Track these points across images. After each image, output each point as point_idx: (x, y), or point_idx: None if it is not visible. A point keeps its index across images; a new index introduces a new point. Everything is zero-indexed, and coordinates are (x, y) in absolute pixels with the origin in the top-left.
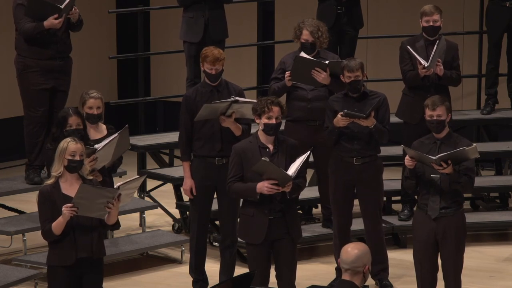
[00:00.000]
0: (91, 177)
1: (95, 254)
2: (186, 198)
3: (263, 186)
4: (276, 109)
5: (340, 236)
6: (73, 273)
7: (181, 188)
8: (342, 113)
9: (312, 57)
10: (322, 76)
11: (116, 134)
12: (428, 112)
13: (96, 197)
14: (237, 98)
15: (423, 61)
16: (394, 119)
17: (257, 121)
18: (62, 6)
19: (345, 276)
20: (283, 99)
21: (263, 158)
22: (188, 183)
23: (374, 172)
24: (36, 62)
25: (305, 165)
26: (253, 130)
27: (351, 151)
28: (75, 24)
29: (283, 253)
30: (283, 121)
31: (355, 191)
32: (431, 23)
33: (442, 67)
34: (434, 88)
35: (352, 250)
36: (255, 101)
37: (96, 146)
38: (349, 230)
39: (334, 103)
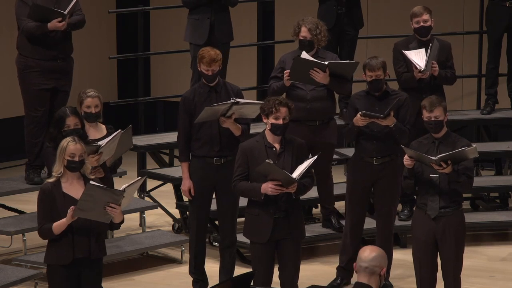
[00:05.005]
0: (92, 176)
1: (93, 255)
2: (186, 198)
3: (268, 187)
4: (283, 109)
5: (351, 235)
6: (72, 271)
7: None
8: (361, 113)
9: (310, 56)
10: (320, 76)
11: (119, 130)
12: (425, 114)
13: (102, 198)
14: (238, 99)
15: (418, 66)
16: None
17: (265, 120)
18: (66, 12)
19: (362, 277)
20: None
21: (267, 160)
22: (186, 183)
23: (393, 172)
24: (37, 62)
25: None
26: (252, 130)
27: (371, 151)
28: (75, 24)
29: (287, 253)
30: None
31: (372, 190)
32: (421, 24)
33: (437, 67)
34: (430, 89)
35: (372, 250)
36: (255, 101)
37: (100, 142)
38: (362, 230)
39: (356, 101)
